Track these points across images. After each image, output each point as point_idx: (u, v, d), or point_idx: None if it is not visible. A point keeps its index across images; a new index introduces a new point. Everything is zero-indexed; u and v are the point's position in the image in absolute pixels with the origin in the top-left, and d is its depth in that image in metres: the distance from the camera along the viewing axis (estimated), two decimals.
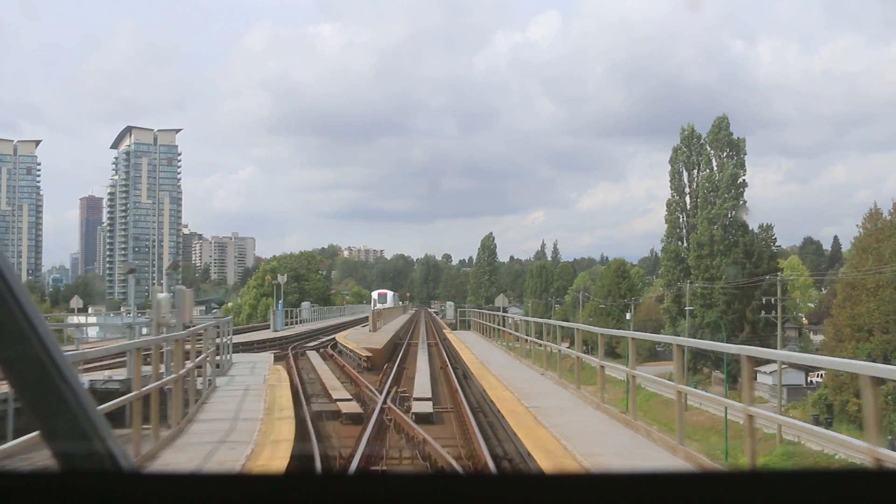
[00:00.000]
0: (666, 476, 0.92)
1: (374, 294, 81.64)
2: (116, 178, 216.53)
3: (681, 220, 70.14)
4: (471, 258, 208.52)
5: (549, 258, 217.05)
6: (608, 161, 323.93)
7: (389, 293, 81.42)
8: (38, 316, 1.18)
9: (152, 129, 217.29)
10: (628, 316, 73.65)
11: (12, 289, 1.14)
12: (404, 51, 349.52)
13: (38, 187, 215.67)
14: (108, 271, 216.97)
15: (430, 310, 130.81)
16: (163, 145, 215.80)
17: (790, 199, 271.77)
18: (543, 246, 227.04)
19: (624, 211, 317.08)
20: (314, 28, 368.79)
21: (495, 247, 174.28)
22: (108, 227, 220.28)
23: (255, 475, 0.97)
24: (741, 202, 67.34)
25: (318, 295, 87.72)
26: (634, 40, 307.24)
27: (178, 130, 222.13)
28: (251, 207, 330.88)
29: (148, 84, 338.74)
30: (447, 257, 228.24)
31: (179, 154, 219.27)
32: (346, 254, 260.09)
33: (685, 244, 69.94)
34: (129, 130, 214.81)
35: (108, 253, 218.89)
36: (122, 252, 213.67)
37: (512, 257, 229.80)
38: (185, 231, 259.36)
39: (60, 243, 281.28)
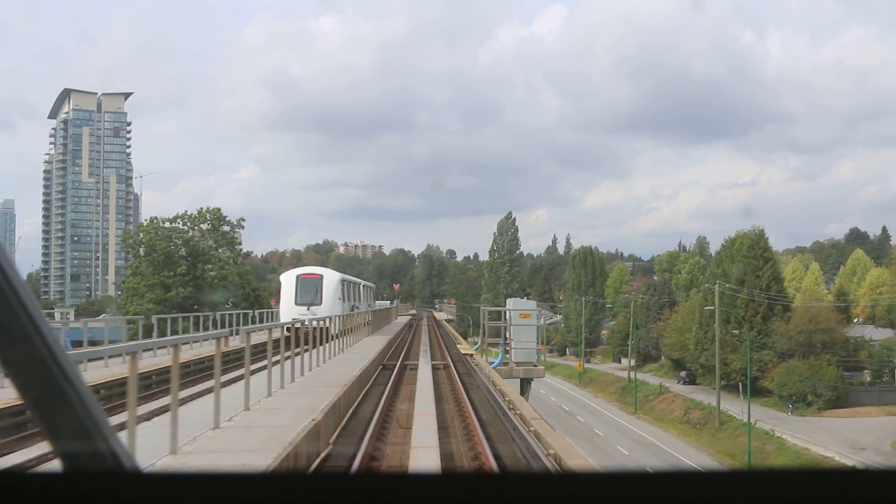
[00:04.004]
0: (670, 475, 0.92)
1: (287, 280, 31.52)
2: (53, 153, 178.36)
3: None
4: (476, 255, 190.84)
5: (562, 254, 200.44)
6: (613, 158, 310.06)
7: (332, 278, 31.21)
8: (41, 316, 1.17)
9: (95, 93, 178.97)
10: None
11: (15, 288, 1.12)
12: (407, 45, 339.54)
13: None
14: (42, 266, 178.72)
15: (437, 314, 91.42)
16: (108, 112, 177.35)
17: (796, 196, 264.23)
18: (555, 240, 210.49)
19: (628, 209, 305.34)
20: (315, 22, 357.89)
21: (517, 230, 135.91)
22: (43, 213, 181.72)
23: (256, 475, 0.95)
24: None
25: (238, 291, 49.13)
26: (641, 33, 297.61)
27: (127, 95, 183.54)
28: (253, 206, 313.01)
29: (145, 80, 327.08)
30: (451, 253, 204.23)
31: (129, 123, 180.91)
32: (341, 249, 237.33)
33: None
34: (67, 94, 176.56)
35: (43, 244, 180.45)
36: (59, 242, 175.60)
37: (522, 253, 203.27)
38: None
39: None
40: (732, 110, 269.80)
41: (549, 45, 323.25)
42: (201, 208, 48.36)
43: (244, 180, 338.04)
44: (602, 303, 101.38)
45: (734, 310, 55.15)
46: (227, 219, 48.44)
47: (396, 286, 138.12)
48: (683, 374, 63.75)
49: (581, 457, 9.62)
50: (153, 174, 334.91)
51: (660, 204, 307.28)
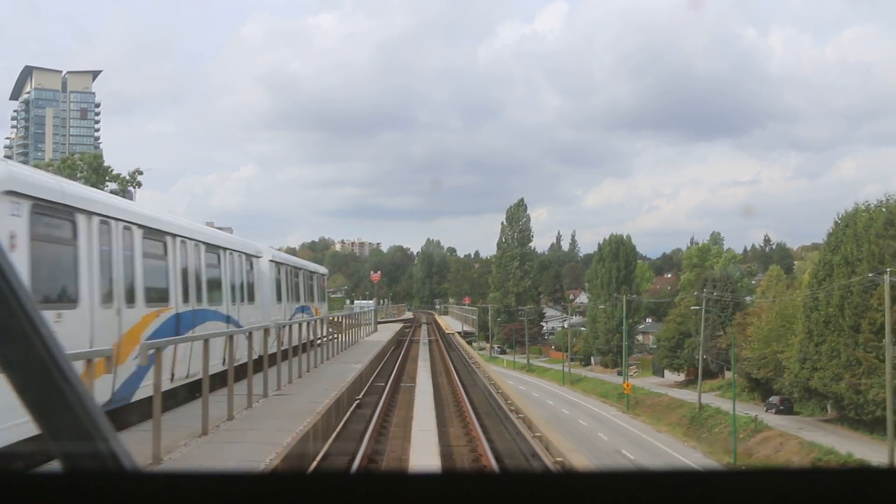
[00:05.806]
0: (670, 474, 0.91)
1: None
2: (14, 136, 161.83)
3: None
4: (476, 253, 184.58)
5: (566, 251, 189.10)
6: (614, 156, 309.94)
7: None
8: (40, 316, 1.16)
9: (60, 71, 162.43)
10: None
11: (14, 289, 1.12)
12: (406, 42, 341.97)
13: None
14: None
15: (441, 320, 74.81)
16: (74, 92, 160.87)
17: (798, 195, 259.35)
18: (559, 238, 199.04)
19: (629, 208, 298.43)
20: (313, 19, 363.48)
21: (528, 219, 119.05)
22: None
23: (255, 474, 0.94)
24: None
25: None
26: (643, 30, 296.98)
27: (96, 73, 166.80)
28: (251, 205, 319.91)
29: (141, 78, 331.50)
30: (451, 250, 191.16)
31: (97, 105, 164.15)
32: (338, 247, 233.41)
33: None
34: (29, 72, 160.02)
35: None
36: None
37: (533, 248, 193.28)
38: None
39: None
40: (734, 108, 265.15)
41: (549, 42, 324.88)
42: (72, 153, 31.55)
43: (243, 179, 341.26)
44: (636, 302, 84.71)
45: (868, 312, 38.57)
46: (115, 172, 31.90)
47: (375, 275, 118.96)
48: (776, 399, 47.14)
49: None
50: (149, 170, 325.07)
51: (661, 202, 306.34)
